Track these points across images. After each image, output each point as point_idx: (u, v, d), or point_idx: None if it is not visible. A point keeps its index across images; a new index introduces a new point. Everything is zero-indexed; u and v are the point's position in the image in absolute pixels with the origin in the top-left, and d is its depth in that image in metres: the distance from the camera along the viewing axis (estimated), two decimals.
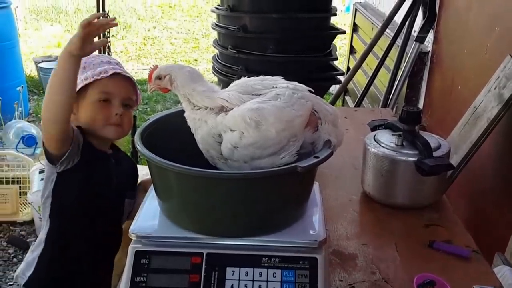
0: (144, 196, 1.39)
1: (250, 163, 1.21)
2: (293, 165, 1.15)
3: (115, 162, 1.66)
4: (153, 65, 1.32)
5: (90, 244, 1.61)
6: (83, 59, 1.54)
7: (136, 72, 7.22)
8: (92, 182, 1.57)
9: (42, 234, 1.60)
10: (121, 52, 8.19)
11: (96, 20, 1.32)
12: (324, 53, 2.00)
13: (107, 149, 1.67)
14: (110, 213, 1.66)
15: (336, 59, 2.03)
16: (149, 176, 1.87)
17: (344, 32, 2.04)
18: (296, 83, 1.29)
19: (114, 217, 1.68)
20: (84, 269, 1.61)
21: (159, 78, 1.29)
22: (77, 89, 1.51)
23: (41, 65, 6.08)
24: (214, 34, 2.33)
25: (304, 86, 1.29)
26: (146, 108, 5.88)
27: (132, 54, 8.21)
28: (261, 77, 1.31)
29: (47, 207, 1.57)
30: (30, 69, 6.68)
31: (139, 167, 2.42)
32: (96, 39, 1.38)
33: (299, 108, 1.22)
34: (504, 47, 2.26)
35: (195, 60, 8.05)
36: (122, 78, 1.60)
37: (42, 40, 8.45)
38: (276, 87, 1.27)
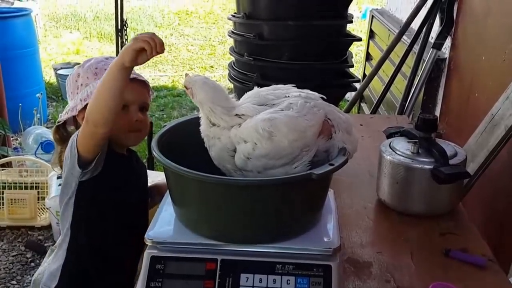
0: (158, 200, 1.41)
1: (264, 173, 1.22)
2: (308, 172, 1.15)
3: (136, 162, 1.69)
4: (186, 73, 1.34)
5: (118, 253, 1.61)
6: (93, 64, 1.56)
7: (153, 79, 7.28)
8: (119, 187, 1.58)
9: (63, 244, 1.58)
10: None
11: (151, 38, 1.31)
12: (340, 60, 2.00)
13: (125, 152, 1.67)
14: (137, 218, 1.64)
15: (352, 66, 2.03)
16: (163, 180, 1.89)
17: (360, 39, 2.04)
18: (308, 91, 1.29)
19: (141, 222, 1.63)
20: (111, 277, 1.61)
21: (186, 87, 1.31)
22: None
23: (60, 71, 6.15)
24: (231, 41, 2.33)
25: (316, 94, 1.29)
26: (163, 115, 5.91)
27: (150, 61, 8.24)
28: (273, 86, 1.32)
29: (67, 217, 1.55)
30: (49, 76, 6.77)
31: (154, 173, 2.45)
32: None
33: (311, 117, 1.23)
34: None
35: (211, 66, 8.09)
36: (137, 83, 1.59)
37: (61, 47, 8.55)
38: (288, 96, 1.28)
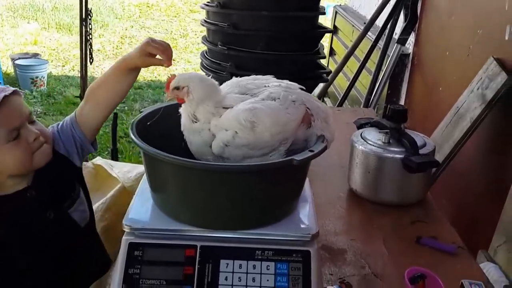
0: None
1: (241, 162, 1.22)
2: (289, 158, 1.16)
3: (37, 192, 1.42)
4: (171, 74, 1.26)
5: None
6: None
7: None
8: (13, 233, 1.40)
9: None
10: (98, 50, 8.09)
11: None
12: (312, 52, 2.02)
13: (23, 182, 1.41)
14: (59, 244, 1.47)
15: (324, 57, 2.06)
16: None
17: (332, 31, 2.06)
18: (287, 81, 1.29)
19: (68, 242, 1.48)
20: None
21: (177, 88, 1.24)
22: None
23: (18, 62, 6.00)
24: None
25: (295, 84, 1.30)
26: (124, 107, 5.83)
27: (110, 52, 8.13)
28: (253, 76, 1.31)
29: None
30: (6, 66, 6.57)
31: (118, 163, 2.38)
32: None
33: (293, 111, 1.23)
34: (486, 49, 2.32)
35: (173, 59, 7.98)
36: (13, 99, 1.34)
37: (18, 37, 8.31)
38: (268, 86, 1.27)
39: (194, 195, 1.19)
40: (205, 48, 2.13)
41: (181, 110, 1.28)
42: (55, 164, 1.44)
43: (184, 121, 1.27)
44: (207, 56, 2.09)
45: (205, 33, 2.16)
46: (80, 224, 1.52)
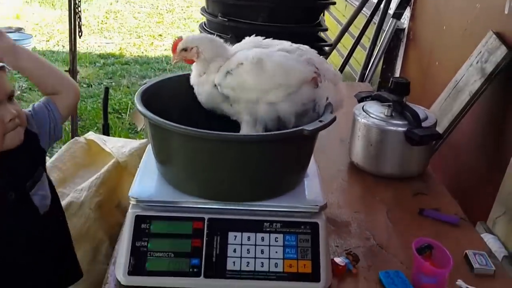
0: None
1: (239, 93, 1.24)
2: (299, 128, 1.14)
3: (0, 170, 1.32)
4: (178, 37, 1.30)
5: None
6: None
7: (99, 46, 7.04)
8: None
9: None
10: (83, 25, 7.93)
11: None
12: (313, 24, 1.99)
13: None
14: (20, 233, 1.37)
15: (327, 29, 2.03)
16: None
17: (334, 3, 2.04)
18: (300, 44, 1.31)
19: (26, 230, 1.38)
20: None
21: (185, 49, 1.28)
22: None
23: None
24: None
25: (307, 46, 1.31)
26: (111, 83, 5.74)
27: (94, 27, 7.99)
28: (268, 39, 1.36)
29: None
30: None
31: (112, 139, 2.34)
32: None
33: (302, 66, 1.27)
34: (485, 23, 2.31)
35: (160, 35, 7.89)
36: None
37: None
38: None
39: (202, 166, 1.18)
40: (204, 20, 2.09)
41: (192, 67, 1.31)
42: (24, 142, 1.34)
43: (193, 76, 1.30)
44: (206, 28, 2.05)
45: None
46: (40, 210, 1.39)
